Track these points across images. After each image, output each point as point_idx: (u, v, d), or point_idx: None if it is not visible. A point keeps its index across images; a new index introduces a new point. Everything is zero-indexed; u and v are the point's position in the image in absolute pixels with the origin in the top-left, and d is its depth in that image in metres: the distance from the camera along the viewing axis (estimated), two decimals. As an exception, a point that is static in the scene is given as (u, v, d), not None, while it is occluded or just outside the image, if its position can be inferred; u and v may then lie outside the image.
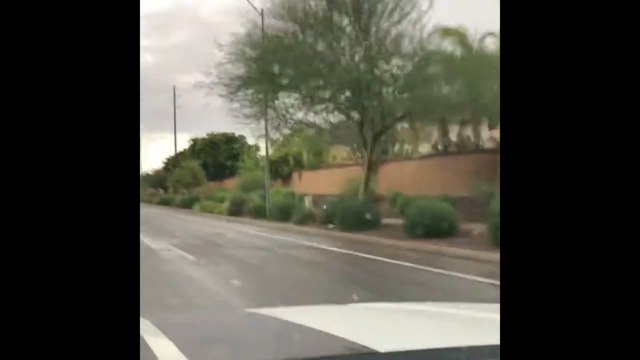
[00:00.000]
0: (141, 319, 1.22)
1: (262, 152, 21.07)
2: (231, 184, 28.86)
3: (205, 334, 1.14)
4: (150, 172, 50.12)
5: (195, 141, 37.20)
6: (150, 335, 1.03)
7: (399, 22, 10.64)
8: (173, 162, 37.02)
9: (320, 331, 1.03)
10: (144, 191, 53.75)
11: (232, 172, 32.41)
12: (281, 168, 22.23)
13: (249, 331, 1.15)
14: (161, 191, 45.91)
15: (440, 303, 1.39)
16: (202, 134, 47.08)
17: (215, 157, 35.82)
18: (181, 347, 0.90)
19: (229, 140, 37.51)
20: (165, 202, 31.89)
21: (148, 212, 19.57)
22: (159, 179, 43.32)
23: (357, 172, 13.39)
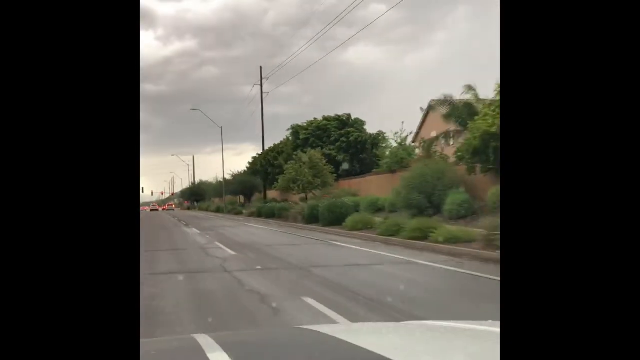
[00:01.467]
0: (201, 335, 1.42)
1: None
2: (364, 184, 22.59)
3: (259, 349, 1.25)
4: (227, 177, 49.61)
5: (295, 129, 29.36)
6: (209, 349, 1.14)
7: None
8: (266, 159, 33.03)
9: (372, 352, 1.10)
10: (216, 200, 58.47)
11: (356, 166, 25.76)
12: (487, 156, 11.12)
13: (299, 349, 1.26)
14: (241, 198, 45.74)
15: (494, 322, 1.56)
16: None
17: (325, 147, 28.19)
18: None
19: (343, 123, 28.91)
20: (268, 214, 25.05)
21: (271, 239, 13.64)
22: (242, 185, 41.44)
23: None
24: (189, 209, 74.12)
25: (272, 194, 37.45)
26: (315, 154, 23.21)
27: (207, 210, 47.61)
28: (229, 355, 1.06)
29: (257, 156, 36.60)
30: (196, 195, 70.35)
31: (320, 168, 22.91)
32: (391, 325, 1.78)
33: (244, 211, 31.96)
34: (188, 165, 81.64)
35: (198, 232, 16.75)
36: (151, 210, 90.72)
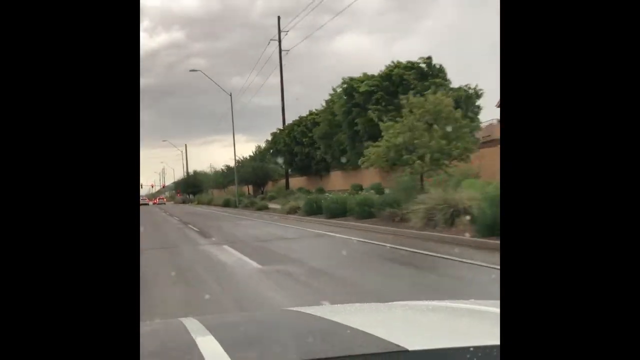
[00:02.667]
0: (189, 318, 1.37)
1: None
2: (489, 158, 14.35)
3: (247, 332, 1.27)
4: (223, 168, 49.17)
5: (349, 84, 20.21)
6: (197, 333, 1.15)
7: None
8: (290, 135, 24.83)
9: (356, 329, 1.11)
10: (217, 191, 57.48)
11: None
12: None
13: (286, 329, 1.27)
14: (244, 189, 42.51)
15: (476, 301, 1.70)
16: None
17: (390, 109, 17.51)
18: (226, 346, 1.01)
19: (422, 73, 19.84)
20: (339, 211, 14.97)
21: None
22: (252, 172, 38.82)
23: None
24: (183, 202, 71.19)
25: (296, 181, 33.90)
26: (442, 98, 13.74)
27: (209, 204, 42.80)
28: (216, 339, 1.06)
29: (278, 132, 30.10)
30: (192, 187, 66.94)
31: (458, 123, 13.40)
32: (383, 305, 1.79)
33: (275, 206, 23.03)
34: (181, 151, 75.54)
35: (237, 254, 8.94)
36: (141, 204, 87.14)
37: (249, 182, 38.42)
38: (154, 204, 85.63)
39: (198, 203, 50.47)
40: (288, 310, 1.59)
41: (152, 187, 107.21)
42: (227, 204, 33.74)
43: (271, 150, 29.26)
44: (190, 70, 37.97)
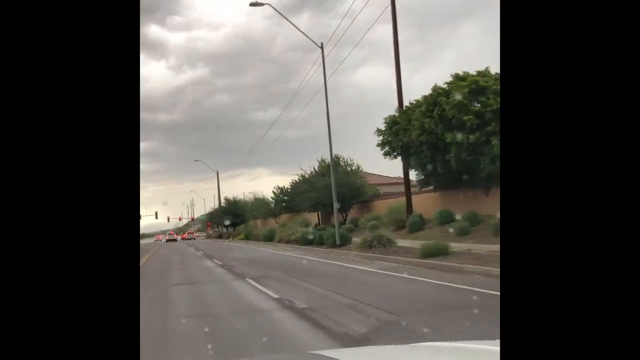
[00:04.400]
0: None
1: None
2: None
3: None
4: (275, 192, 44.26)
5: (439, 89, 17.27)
6: None
7: None
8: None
9: None
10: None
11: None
12: None
13: None
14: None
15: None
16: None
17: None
18: None
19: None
20: None
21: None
22: (324, 193, 27.51)
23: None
24: (219, 236, 63.20)
25: (423, 200, 21.72)
26: None
27: (272, 241, 30.82)
28: None
29: (395, 115, 19.34)
30: (231, 218, 57.47)
31: None
32: (405, 347, 1.89)
33: (408, 243, 16.09)
34: (216, 172, 71.46)
35: None
36: (167, 240, 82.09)
37: (317, 207, 30.78)
38: (183, 239, 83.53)
39: (245, 238, 42.86)
40: (313, 354, 1.64)
41: (180, 219, 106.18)
42: (307, 240, 22.86)
43: (386, 146, 20.06)
44: (195, 161, 36.73)
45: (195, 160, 65.88)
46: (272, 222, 46.79)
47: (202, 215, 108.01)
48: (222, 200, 61.27)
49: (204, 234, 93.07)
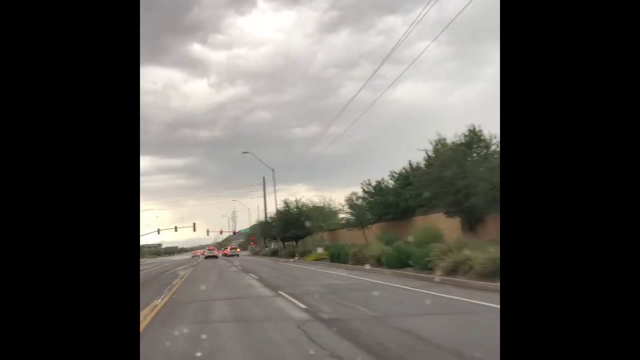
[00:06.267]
0: None
1: None
2: None
3: None
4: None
5: None
6: None
7: None
8: None
9: None
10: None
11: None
12: None
13: None
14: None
15: None
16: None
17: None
18: None
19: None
20: None
21: None
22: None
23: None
24: (275, 254, 49.83)
25: None
26: None
27: (401, 268, 18.18)
28: None
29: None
30: (292, 229, 44.65)
31: None
32: None
33: None
34: (263, 177, 52.39)
35: None
36: (207, 256, 68.78)
37: (461, 206, 21.31)
38: (224, 254, 72.05)
39: (328, 258, 29.17)
40: None
41: (221, 233, 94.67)
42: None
43: None
44: (243, 153, 46.19)
45: (243, 152, 52.19)
46: (351, 235, 35.98)
47: (245, 229, 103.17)
48: (280, 205, 50.78)
49: (247, 249, 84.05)
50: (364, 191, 35.11)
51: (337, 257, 26.36)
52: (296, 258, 37.49)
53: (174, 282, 19.63)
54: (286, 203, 48.15)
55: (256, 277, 19.36)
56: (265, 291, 13.84)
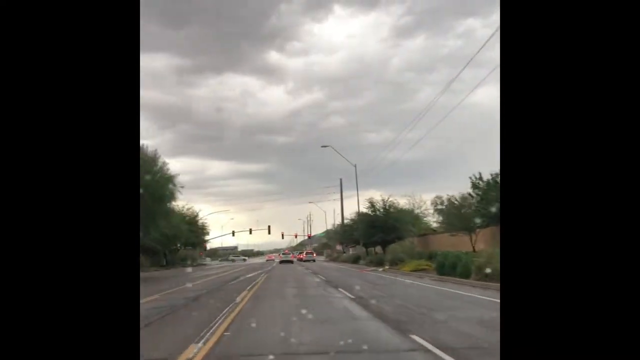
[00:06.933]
0: None
1: None
2: None
3: None
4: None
5: None
6: None
7: None
8: None
9: None
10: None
11: None
12: None
13: None
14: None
15: None
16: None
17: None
18: None
19: None
20: None
21: None
22: None
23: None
24: (356, 260, 44.45)
25: None
26: None
27: None
28: None
29: None
30: (381, 231, 38.47)
31: None
32: None
33: None
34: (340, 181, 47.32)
35: None
36: (281, 261, 63.32)
37: None
38: (299, 259, 67.71)
39: (438, 271, 23.12)
40: None
41: (295, 237, 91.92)
42: None
43: None
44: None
45: (322, 146, 47.36)
46: (449, 241, 31.33)
47: (320, 233, 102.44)
48: (364, 206, 45.55)
49: (323, 254, 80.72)
50: (475, 187, 28.48)
51: (448, 268, 20.63)
52: (385, 267, 32.56)
53: (237, 299, 13.85)
54: (371, 203, 43.38)
55: (352, 297, 13.70)
56: (384, 333, 7.70)
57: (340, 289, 16.40)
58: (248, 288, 18.31)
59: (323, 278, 23.93)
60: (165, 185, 38.24)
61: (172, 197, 39.41)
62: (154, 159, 38.42)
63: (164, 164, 38.79)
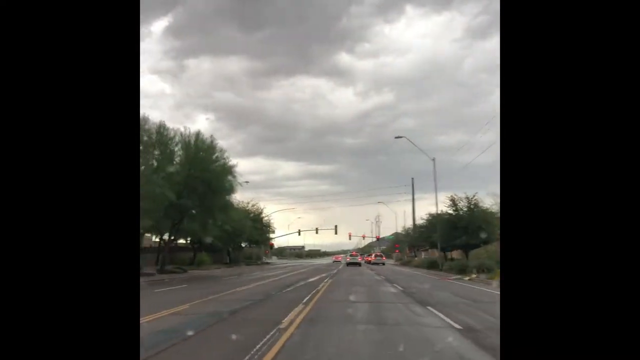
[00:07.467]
0: None
1: None
2: None
3: None
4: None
5: None
6: None
7: None
8: None
9: None
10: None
11: None
12: None
13: None
14: None
15: None
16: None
17: None
18: None
19: None
20: None
21: None
22: None
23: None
24: (433, 265, 39.05)
25: None
26: None
27: None
28: None
29: None
30: (461, 235, 33.65)
31: None
32: None
33: None
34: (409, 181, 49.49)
35: None
36: (349, 263, 59.27)
37: None
38: (367, 261, 64.68)
39: None
40: None
41: (363, 238, 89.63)
42: None
43: None
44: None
45: (396, 137, 41.89)
46: None
47: (389, 236, 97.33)
48: (444, 206, 42.04)
49: (392, 258, 75.92)
50: None
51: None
52: (472, 275, 27.41)
53: (283, 321, 9.28)
54: (453, 201, 38.53)
55: (458, 327, 8.64)
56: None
57: (431, 309, 11.84)
58: (305, 300, 13.90)
59: (400, 288, 19.62)
60: (223, 176, 35.73)
61: (231, 189, 37.02)
62: (211, 146, 36.02)
63: (222, 151, 36.57)
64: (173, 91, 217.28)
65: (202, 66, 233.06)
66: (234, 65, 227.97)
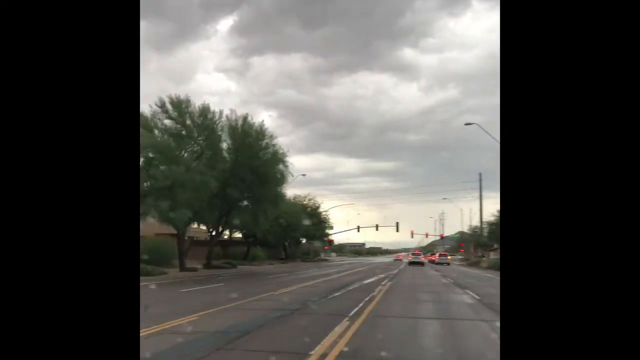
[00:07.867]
0: None
1: None
2: None
3: None
4: None
5: None
6: None
7: None
8: None
9: None
10: None
11: None
12: None
13: None
14: None
15: None
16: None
17: None
18: None
19: None
20: None
21: None
22: None
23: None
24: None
25: None
26: None
27: None
28: None
29: None
30: None
31: None
32: None
33: None
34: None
35: None
36: (411, 262, 54.41)
37: None
38: (430, 261, 60.41)
39: None
40: None
41: (427, 236, 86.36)
42: None
43: None
44: (466, 124, 38.62)
45: (466, 124, 39.70)
46: None
47: (454, 234, 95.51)
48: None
49: (457, 257, 72.27)
50: None
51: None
52: None
53: (310, 354, 6.49)
54: None
55: None
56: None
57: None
58: (353, 313, 10.87)
59: (477, 297, 15.82)
60: (273, 164, 32.40)
61: (282, 179, 33.25)
62: (259, 132, 32.68)
63: (272, 137, 33.08)
64: (238, 89, 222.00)
65: (266, 64, 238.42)
66: (297, 62, 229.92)
